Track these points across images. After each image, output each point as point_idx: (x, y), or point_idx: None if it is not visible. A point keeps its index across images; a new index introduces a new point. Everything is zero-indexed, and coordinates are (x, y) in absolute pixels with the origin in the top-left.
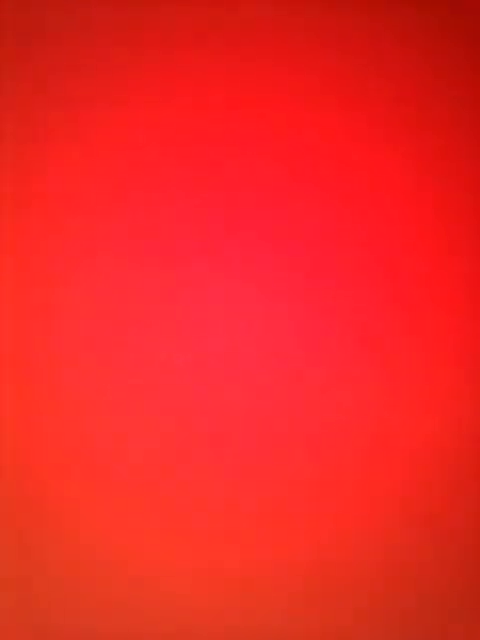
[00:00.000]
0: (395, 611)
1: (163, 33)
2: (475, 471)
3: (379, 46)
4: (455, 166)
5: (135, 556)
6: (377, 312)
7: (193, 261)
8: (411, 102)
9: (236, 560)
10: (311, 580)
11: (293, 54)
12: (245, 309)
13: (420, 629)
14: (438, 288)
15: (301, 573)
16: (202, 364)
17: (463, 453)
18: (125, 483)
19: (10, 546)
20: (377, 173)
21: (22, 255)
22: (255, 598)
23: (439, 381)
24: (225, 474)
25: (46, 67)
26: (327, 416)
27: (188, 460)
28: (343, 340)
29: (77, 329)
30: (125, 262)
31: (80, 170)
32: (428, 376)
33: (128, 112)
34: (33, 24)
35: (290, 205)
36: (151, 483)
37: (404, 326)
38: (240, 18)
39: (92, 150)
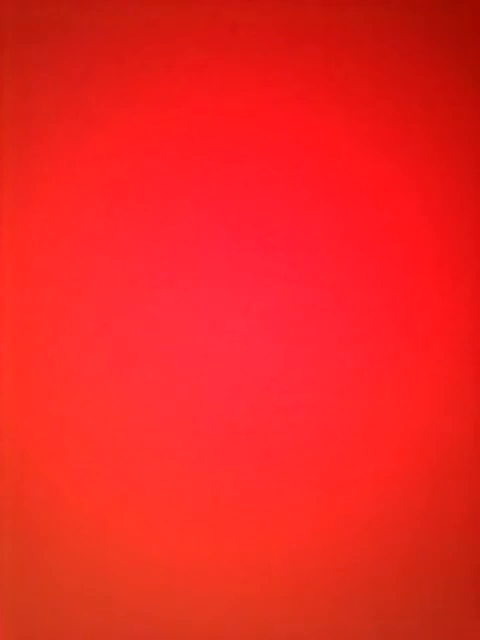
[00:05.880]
0: (394, 607)
1: (165, 35)
2: (472, 469)
3: (382, 50)
4: (456, 169)
5: (134, 553)
6: (376, 314)
7: (194, 263)
8: (414, 108)
9: (236, 553)
10: (310, 576)
11: (295, 58)
12: (245, 310)
13: (419, 627)
14: (437, 290)
15: (300, 568)
16: (202, 360)
17: (462, 453)
18: (124, 482)
19: (10, 544)
20: (378, 177)
21: (23, 252)
22: (255, 592)
23: (437, 383)
24: (225, 470)
25: (47, 67)
26: (326, 414)
27: (188, 455)
28: (343, 342)
29: (78, 326)
30: (126, 261)
31: (81, 172)
32: (426, 378)
33: (129, 113)
34: (34, 24)
35: (291, 208)
36: (150, 481)
37: (403, 327)
38: (242, 21)
39: (94, 152)
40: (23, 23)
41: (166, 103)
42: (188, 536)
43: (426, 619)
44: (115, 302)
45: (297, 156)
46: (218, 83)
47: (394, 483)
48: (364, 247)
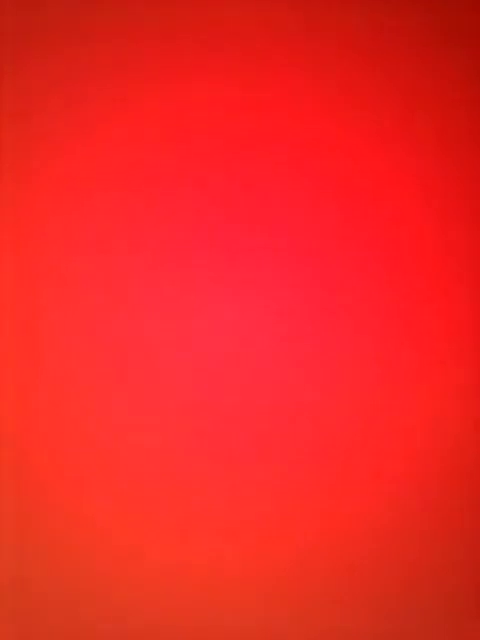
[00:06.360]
0: (396, 607)
1: (165, 32)
2: (472, 470)
3: (384, 47)
4: (457, 168)
5: (134, 555)
6: (377, 313)
7: (194, 261)
8: (418, 104)
9: (239, 555)
10: (312, 577)
11: (295, 54)
12: (246, 308)
13: (420, 627)
14: (438, 289)
15: (302, 569)
16: (202, 361)
17: (461, 453)
18: (125, 483)
19: (9, 545)
20: (379, 175)
21: (23, 252)
22: (255, 596)
23: (440, 381)
24: (225, 472)
25: (47, 66)
26: (326, 415)
27: (188, 458)
28: (343, 340)
29: (78, 325)
30: (126, 261)
31: (82, 170)
32: (427, 377)
33: (130, 111)
34: (33, 23)
35: (292, 205)
36: (151, 482)
37: (404, 327)
38: (244, 17)
39: (94, 149)
40: (23, 22)
41: (168, 101)
42: (190, 538)
43: (428, 619)
44: (116, 300)
45: (299, 153)
46: (219, 79)
47: (397, 484)
48: (366, 244)
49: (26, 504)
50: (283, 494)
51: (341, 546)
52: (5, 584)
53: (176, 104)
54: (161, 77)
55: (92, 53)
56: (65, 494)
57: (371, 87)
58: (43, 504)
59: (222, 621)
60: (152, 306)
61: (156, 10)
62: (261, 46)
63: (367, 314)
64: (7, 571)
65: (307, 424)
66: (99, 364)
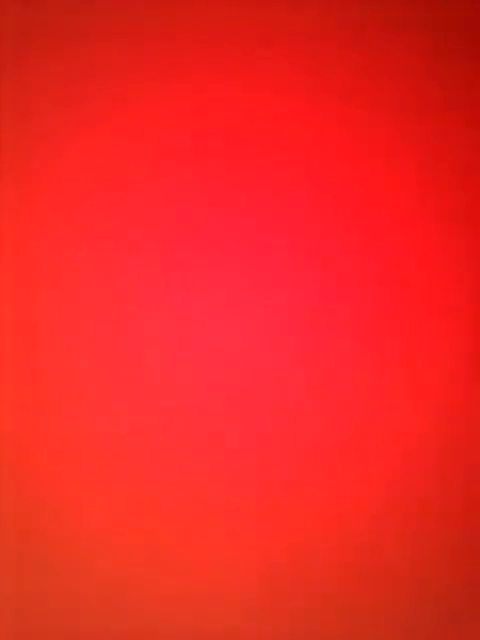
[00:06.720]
0: (394, 609)
1: (165, 32)
2: (468, 468)
3: (383, 47)
4: (457, 168)
5: (133, 555)
6: (375, 311)
7: (194, 262)
8: (416, 103)
9: (237, 558)
10: (310, 579)
11: (295, 54)
12: (245, 307)
13: (419, 628)
14: (436, 288)
15: (300, 571)
16: (202, 361)
17: (459, 452)
18: (125, 483)
19: (9, 545)
20: (379, 175)
21: (22, 253)
22: (255, 596)
23: (434, 380)
24: (224, 472)
25: (47, 66)
26: (324, 414)
27: (188, 458)
28: (341, 339)
29: (77, 328)
30: (126, 261)
31: (82, 170)
32: (424, 376)
33: (130, 111)
34: (33, 23)
35: (291, 204)
36: (151, 482)
37: (402, 326)
38: (242, 18)
39: (94, 149)
40: (23, 22)
41: (167, 100)
42: (190, 538)
43: (428, 619)
44: (116, 300)
45: (299, 153)
46: (219, 79)
47: (396, 483)
48: (365, 244)
49: (26, 504)
50: (282, 493)
51: (341, 546)
52: (5, 584)
53: (176, 104)
54: (161, 77)
55: (92, 53)
56: (65, 495)
57: (371, 87)
58: (43, 505)
59: (222, 621)
60: (152, 306)
61: (156, 10)
62: (261, 46)
63: (367, 314)
64: (7, 571)
65: (306, 422)
66: (99, 364)
